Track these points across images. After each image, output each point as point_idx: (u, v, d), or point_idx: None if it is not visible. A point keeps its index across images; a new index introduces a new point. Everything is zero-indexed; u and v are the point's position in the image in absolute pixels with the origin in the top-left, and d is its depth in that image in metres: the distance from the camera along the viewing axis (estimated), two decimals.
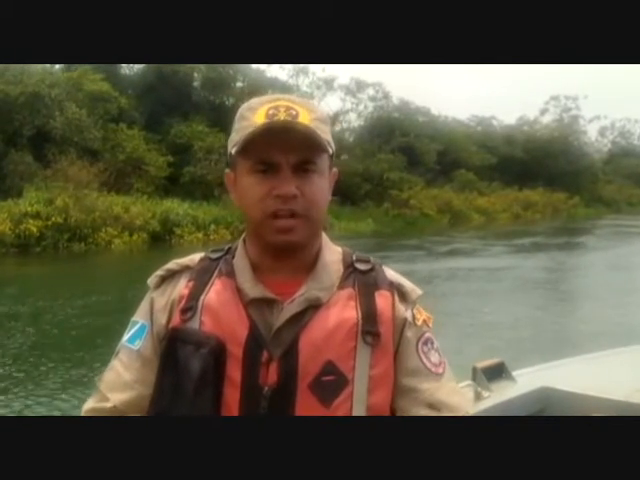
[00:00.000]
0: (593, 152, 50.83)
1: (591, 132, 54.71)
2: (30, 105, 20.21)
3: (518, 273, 14.41)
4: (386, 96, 36.55)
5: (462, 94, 75.73)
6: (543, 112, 49.23)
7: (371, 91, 36.35)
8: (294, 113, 0.98)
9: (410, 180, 31.78)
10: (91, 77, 22.76)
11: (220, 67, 29.27)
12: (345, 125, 37.97)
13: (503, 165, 40.17)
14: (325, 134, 0.99)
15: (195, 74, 29.11)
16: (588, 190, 44.07)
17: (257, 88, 29.74)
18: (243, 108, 1.03)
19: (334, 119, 35.14)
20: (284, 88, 32.17)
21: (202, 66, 28.48)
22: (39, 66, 23.12)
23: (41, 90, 20.42)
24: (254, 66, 32.12)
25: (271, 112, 0.98)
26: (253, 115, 0.99)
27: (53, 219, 16.56)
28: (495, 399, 2.51)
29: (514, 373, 2.75)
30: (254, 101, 1.03)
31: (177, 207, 20.04)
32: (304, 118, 0.98)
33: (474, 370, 2.62)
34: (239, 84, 30.71)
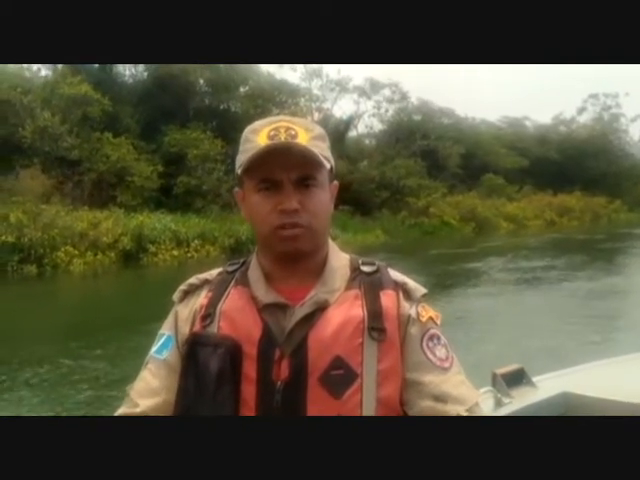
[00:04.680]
0: (637, 152, 47.14)
1: (634, 131, 50.90)
2: None
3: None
4: (404, 97, 33.97)
5: (492, 94, 72.45)
6: (581, 111, 46.29)
7: (387, 92, 33.83)
8: (293, 133, 1.05)
9: (430, 186, 29.25)
10: (69, 80, 20.93)
11: (224, 71, 27.46)
12: (366, 130, 35.62)
13: (536, 168, 37.48)
14: (323, 150, 1.06)
15: (198, 79, 27.16)
16: (631, 193, 40.67)
17: (265, 92, 28.02)
18: (247, 131, 1.10)
19: (349, 124, 32.84)
20: (293, 91, 30.17)
21: (205, 70, 26.70)
22: (11, 72, 21.60)
23: (11, 97, 18.68)
24: (263, 68, 30.42)
25: (272, 133, 1.05)
26: (256, 137, 1.06)
27: (3, 238, 14.65)
28: (515, 405, 2.45)
29: (534, 379, 2.72)
30: (257, 124, 1.10)
31: (155, 221, 17.91)
32: (302, 137, 1.05)
33: (494, 376, 2.59)
34: (244, 88, 28.62)
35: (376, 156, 31.02)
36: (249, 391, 1.03)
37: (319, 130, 1.09)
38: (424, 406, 1.04)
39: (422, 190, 28.53)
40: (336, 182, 1.12)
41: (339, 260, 1.12)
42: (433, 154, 31.61)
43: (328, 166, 1.06)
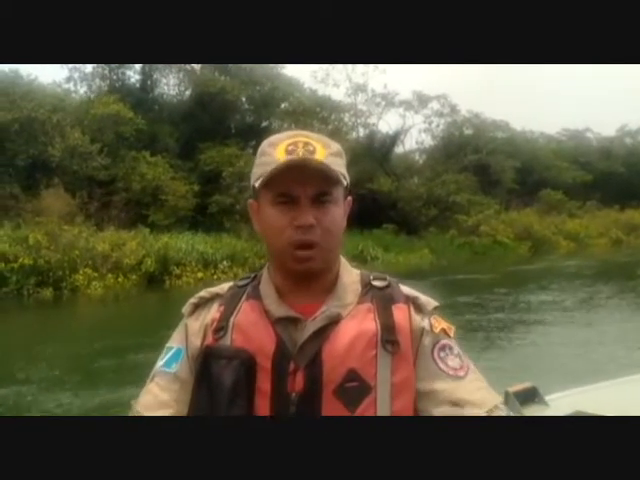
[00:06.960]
0: None
1: None
2: (27, 132, 18.19)
3: None
4: (453, 110, 32.30)
5: (551, 106, 69.38)
6: None
7: (436, 105, 32.24)
8: (311, 149, 1.06)
9: (481, 202, 27.40)
10: (104, 99, 20.60)
11: (265, 88, 26.81)
12: (416, 145, 34.18)
13: (600, 182, 34.99)
14: (339, 167, 1.07)
15: (240, 97, 26.57)
16: None
17: (306, 108, 27.09)
18: (264, 144, 1.10)
19: (395, 139, 31.46)
20: (336, 107, 29.13)
21: (247, 88, 26.14)
22: (50, 92, 21.47)
23: (39, 115, 18.37)
24: (306, 85, 29.55)
25: (290, 148, 1.06)
26: (274, 151, 1.07)
27: (21, 260, 14.05)
28: None
29: (547, 398, 2.74)
30: (274, 137, 1.11)
31: (182, 242, 17.04)
32: (320, 153, 1.06)
33: (506, 394, 2.58)
34: (285, 105, 27.84)
35: (425, 172, 29.50)
36: (263, 404, 1.03)
37: (336, 147, 1.09)
38: (440, 412, 1.03)
39: (473, 207, 26.73)
40: (350, 198, 1.13)
41: (350, 276, 1.13)
42: (485, 169, 29.80)
43: (345, 183, 1.07)
